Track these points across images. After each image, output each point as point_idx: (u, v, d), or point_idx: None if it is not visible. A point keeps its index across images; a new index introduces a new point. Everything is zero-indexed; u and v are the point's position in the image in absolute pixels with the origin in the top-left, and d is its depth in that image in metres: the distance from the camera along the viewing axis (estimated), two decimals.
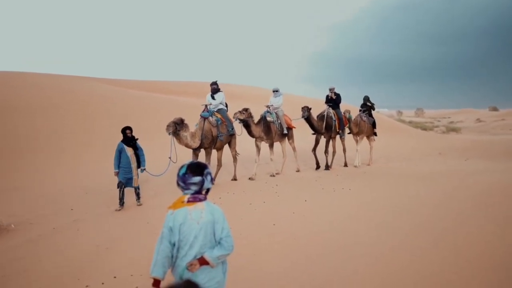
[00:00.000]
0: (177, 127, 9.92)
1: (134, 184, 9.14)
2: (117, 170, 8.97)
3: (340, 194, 9.83)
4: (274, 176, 12.12)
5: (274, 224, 7.64)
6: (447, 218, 7.42)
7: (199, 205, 3.26)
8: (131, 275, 5.72)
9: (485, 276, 5.14)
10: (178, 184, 3.30)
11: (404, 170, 13.25)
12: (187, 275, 3.21)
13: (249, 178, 11.71)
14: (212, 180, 3.36)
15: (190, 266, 3.18)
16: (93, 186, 10.62)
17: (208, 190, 3.37)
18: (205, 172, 3.28)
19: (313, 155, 13.76)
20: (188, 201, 3.25)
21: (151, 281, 3.29)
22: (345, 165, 14.38)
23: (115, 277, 5.72)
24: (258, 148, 12.30)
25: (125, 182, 8.99)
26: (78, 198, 9.87)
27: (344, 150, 14.53)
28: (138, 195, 9.35)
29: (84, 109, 17.02)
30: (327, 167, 13.67)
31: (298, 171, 13.04)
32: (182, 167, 3.30)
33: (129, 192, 10.21)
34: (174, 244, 3.27)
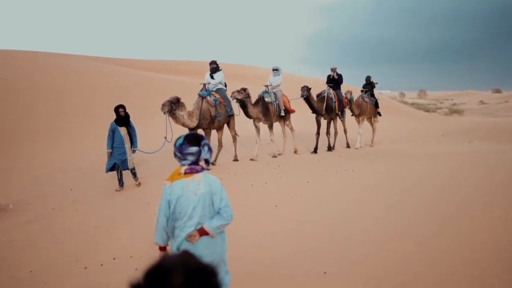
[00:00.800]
0: (173, 106, 9.60)
1: (129, 166, 8.86)
2: (110, 150, 8.67)
3: (343, 176, 9.68)
4: (275, 157, 11.88)
5: (276, 206, 7.51)
6: (450, 203, 7.25)
7: (197, 176, 3.25)
8: (131, 257, 5.62)
9: (489, 264, 5.00)
10: (175, 155, 3.28)
11: (407, 152, 13.10)
12: (187, 246, 3.20)
13: (251, 159, 11.54)
14: (210, 150, 3.33)
15: (189, 237, 3.19)
16: (92, 167, 10.44)
17: (207, 161, 3.36)
18: (202, 143, 3.25)
19: (314, 138, 13.32)
20: (185, 173, 3.24)
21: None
22: (347, 146, 14.12)
23: (114, 258, 5.63)
24: (257, 129, 12.01)
25: (120, 163, 8.74)
26: (77, 178, 9.73)
27: (345, 131, 14.21)
28: (134, 174, 9.07)
29: (83, 89, 16.80)
30: (330, 148, 13.40)
31: (296, 152, 12.62)
32: (179, 138, 3.29)
33: (127, 174, 10.11)
34: (169, 217, 3.29)
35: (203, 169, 3.32)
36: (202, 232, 3.21)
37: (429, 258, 5.13)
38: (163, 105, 9.51)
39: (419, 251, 5.36)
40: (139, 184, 9.11)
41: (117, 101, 15.52)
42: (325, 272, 4.85)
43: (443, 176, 9.23)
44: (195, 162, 3.27)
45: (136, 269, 5.22)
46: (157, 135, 11.46)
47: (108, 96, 16.61)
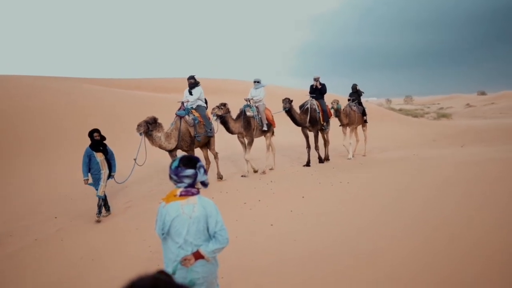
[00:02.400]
0: (149, 126, 9.06)
1: (99, 193, 8.19)
2: (86, 178, 8.14)
3: (338, 188, 9.37)
4: (245, 176, 11.20)
5: (271, 225, 7.18)
6: (446, 209, 6.98)
7: (192, 199, 3.23)
8: None
9: (482, 268, 4.72)
10: (171, 178, 3.26)
11: (401, 160, 12.82)
12: (181, 270, 3.18)
13: (242, 176, 11.20)
14: (205, 172, 3.31)
15: (184, 261, 3.16)
16: (79, 192, 9.98)
17: (204, 183, 3.33)
18: (198, 165, 3.24)
19: (301, 151, 12.92)
20: (181, 195, 3.22)
21: None
22: (326, 158, 13.39)
23: None
24: (243, 145, 11.51)
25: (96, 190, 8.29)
26: (63, 205, 9.28)
27: (326, 144, 13.57)
28: (100, 207, 8.22)
29: (68, 111, 16.36)
30: (321, 160, 13.00)
31: (263, 172, 11.64)
32: (174, 160, 3.28)
33: (115, 196, 9.72)
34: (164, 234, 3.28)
35: (198, 192, 3.29)
36: (198, 256, 3.18)
37: (428, 268, 4.82)
38: (139, 125, 8.95)
39: (417, 262, 5.05)
40: (98, 221, 8.14)
41: (103, 121, 15.24)
42: None
43: (439, 182, 8.96)
44: (191, 185, 3.24)
45: None
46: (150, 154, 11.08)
47: (96, 119, 16.22)
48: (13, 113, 14.57)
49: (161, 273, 1.55)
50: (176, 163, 3.23)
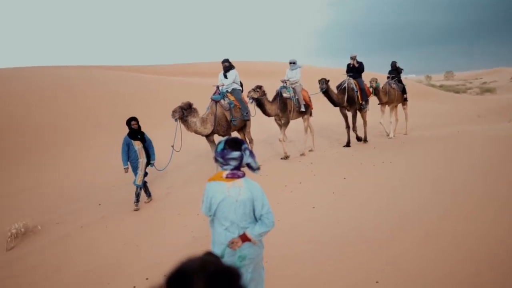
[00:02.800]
0: (184, 112, 8.94)
1: (137, 182, 8.23)
2: (126, 166, 8.18)
3: (381, 169, 9.10)
4: (286, 158, 11.00)
5: (313, 207, 7.05)
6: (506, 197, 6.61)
7: (238, 182, 3.24)
8: (164, 275, 5.22)
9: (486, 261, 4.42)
10: (217, 160, 3.26)
11: (445, 138, 12.30)
12: (229, 252, 3.23)
13: (281, 158, 11.06)
14: (252, 154, 3.28)
15: (232, 244, 3.20)
16: (119, 179, 10.08)
17: (250, 166, 3.29)
18: (243, 147, 3.23)
19: (345, 132, 12.63)
20: (227, 177, 3.23)
21: None
22: (365, 139, 12.91)
23: (147, 278, 5.28)
24: (280, 126, 11.29)
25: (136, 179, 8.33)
26: (105, 192, 9.44)
27: (365, 124, 13.10)
28: (138, 196, 8.29)
29: (106, 99, 16.61)
30: (360, 139, 12.75)
31: (303, 154, 11.48)
32: (219, 143, 3.26)
33: (156, 183, 9.79)
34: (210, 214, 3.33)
35: (244, 174, 3.29)
36: (244, 239, 3.22)
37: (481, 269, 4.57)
38: (174, 111, 8.87)
39: (473, 258, 4.80)
40: (137, 209, 8.20)
41: (137, 109, 15.39)
42: (377, 282, 4.36)
43: (495, 162, 8.46)
44: (238, 167, 3.25)
45: None
46: (188, 140, 11.08)
47: (133, 107, 16.41)
48: (53, 103, 14.90)
49: (209, 254, 1.55)
50: (221, 146, 3.22)
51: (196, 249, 6.00)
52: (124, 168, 8.21)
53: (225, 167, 3.24)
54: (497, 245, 4.78)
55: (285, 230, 6.03)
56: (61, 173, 10.95)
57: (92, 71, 22.48)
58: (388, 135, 13.66)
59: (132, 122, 8.23)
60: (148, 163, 8.40)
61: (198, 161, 11.62)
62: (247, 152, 3.24)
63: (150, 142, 8.45)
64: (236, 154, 3.18)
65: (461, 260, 4.54)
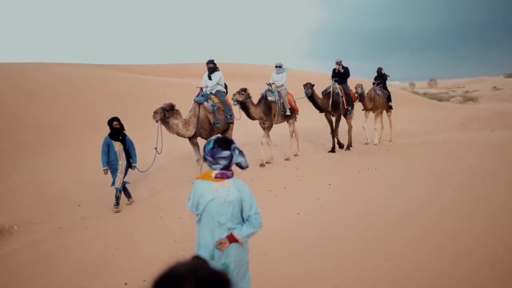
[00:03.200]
0: (166, 113, 8.73)
1: (116, 185, 7.94)
2: (106, 168, 7.95)
3: (366, 176, 9.07)
4: (263, 165, 10.74)
5: (298, 213, 6.97)
6: (489, 207, 6.63)
7: (227, 182, 3.21)
8: (144, 281, 5.11)
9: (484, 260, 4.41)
10: (206, 159, 3.22)
11: (430, 145, 12.39)
12: (218, 254, 3.18)
13: (266, 162, 10.96)
14: (242, 153, 3.26)
15: (219, 245, 3.15)
16: (101, 179, 9.86)
17: (240, 165, 3.28)
18: (233, 146, 3.20)
19: (331, 137, 12.55)
20: (216, 177, 3.19)
21: None
22: (348, 147, 12.76)
23: (126, 283, 5.13)
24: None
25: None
26: (86, 193, 9.22)
27: (350, 129, 13.04)
28: (118, 199, 8.04)
29: (87, 99, 16.28)
30: (342, 146, 12.58)
31: (287, 159, 11.49)
32: (209, 142, 3.22)
33: (138, 184, 9.62)
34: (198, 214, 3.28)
35: (233, 174, 3.25)
36: (232, 239, 3.17)
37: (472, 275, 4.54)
38: (155, 112, 8.64)
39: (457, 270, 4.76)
40: (117, 211, 7.98)
41: (123, 109, 15.16)
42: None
43: (476, 171, 8.56)
44: (227, 167, 3.21)
45: None
46: (171, 142, 10.89)
47: (115, 105, 16.17)
48: (35, 99, 14.59)
49: (197, 258, 1.44)
50: (211, 145, 3.18)
51: (178, 253, 5.89)
52: (103, 170, 7.99)
53: (214, 166, 3.20)
54: (496, 244, 4.80)
55: (271, 235, 5.93)
56: (44, 172, 10.66)
57: (91, 69, 22.24)
58: (367, 141, 13.56)
59: (114, 122, 8.00)
60: (129, 165, 8.17)
61: (181, 163, 11.47)
62: (237, 152, 3.22)
63: (132, 143, 8.22)
64: (226, 153, 3.15)
65: (459, 258, 4.52)
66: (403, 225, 5.90)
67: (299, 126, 12.93)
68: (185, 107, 9.91)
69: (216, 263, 3.17)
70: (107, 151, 7.92)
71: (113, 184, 8.03)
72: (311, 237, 5.92)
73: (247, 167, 3.32)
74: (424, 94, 45.70)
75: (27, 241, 6.68)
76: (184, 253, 5.82)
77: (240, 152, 3.25)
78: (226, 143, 3.20)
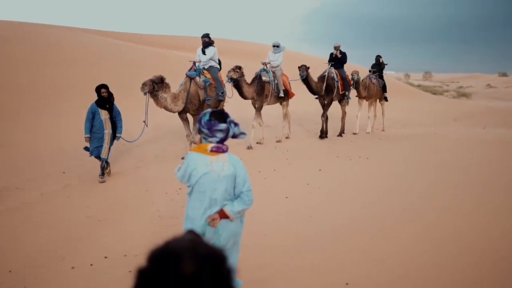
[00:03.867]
0: (155, 86, 8.38)
1: (103, 155, 7.68)
2: (88, 135, 7.64)
3: (357, 164, 8.97)
4: (250, 148, 10.38)
5: (286, 197, 6.86)
6: (481, 203, 6.57)
7: (222, 156, 3.15)
8: (124, 255, 4.97)
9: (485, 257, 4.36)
10: (201, 131, 3.12)
11: (423, 138, 12.29)
12: (209, 230, 3.14)
13: (257, 142, 10.81)
14: (237, 125, 3.16)
15: (212, 221, 3.11)
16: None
17: (236, 136, 3.18)
18: (228, 120, 3.13)
19: (320, 121, 12.24)
20: (212, 151, 3.13)
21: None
22: (340, 134, 12.67)
23: (106, 257, 4.96)
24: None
25: (95, 151, 7.73)
26: (71, 160, 9.00)
27: (344, 116, 12.88)
28: (103, 169, 7.77)
29: (79, 63, 15.95)
30: (322, 134, 12.05)
31: (279, 141, 11.32)
32: (204, 114, 3.14)
33: (126, 155, 9.42)
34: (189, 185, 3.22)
35: (228, 148, 3.20)
36: (222, 215, 3.12)
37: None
38: (144, 84, 8.27)
39: (447, 266, 4.70)
40: (103, 181, 7.76)
41: (112, 75, 14.84)
42: (347, 284, 4.19)
43: (463, 164, 8.53)
44: (223, 140, 3.14)
45: (130, 271, 4.58)
46: (157, 115, 10.66)
47: (110, 72, 15.84)
48: (17, 62, 14.20)
49: (192, 233, 1.53)
50: (207, 117, 3.10)
51: (162, 229, 5.75)
52: (85, 137, 7.70)
53: (210, 139, 3.11)
54: (498, 241, 4.78)
55: (257, 218, 5.78)
56: (31, 135, 10.43)
57: (84, 34, 21.72)
58: (355, 132, 13.17)
59: (102, 89, 7.67)
60: (114, 136, 7.90)
61: (171, 137, 11.28)
62: (233, 125, 3.14)
63: (119, 113, 7.93)
64: (223, 126, 3.08)
65: (461, 255, 4.47)
66: (402, 221, 5.80)
67: (292, 109, 12.76)
68: (177, 81, 9.66)
69: (208, 239, 3.07)
70: (92, 118, 7.63)
71: (94, 154, 7.74)
72: (298, 223, 5.81)
73: (244, 134, 3.22)
74: (419, 86, 45.65)
75: (5, 206, 6.48)
76: (168, 229, 5.67)
77: (236, 124, 3.16)
78: (222, 115, 3.14)
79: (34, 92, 12.80)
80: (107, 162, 7.92)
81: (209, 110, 3.19)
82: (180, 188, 7.22)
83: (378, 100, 14.15)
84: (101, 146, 7.68)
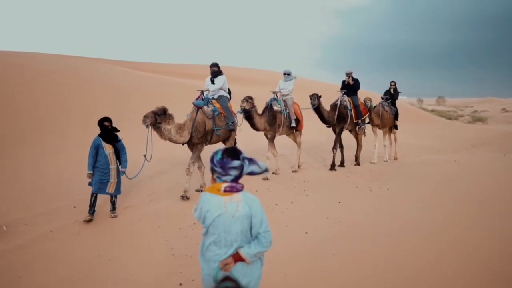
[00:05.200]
0: (158, 118, 7.94)
1: (109, 190, 7.29)
2: (91, 172, 7.18)
3: (378, 195, 8.59)
4: (266, 179, 9.95)
5: (306, 233, 6.50)
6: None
7: (236, 196, 2.98)
8: None
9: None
10: (214, 171, 2.99)
11: (443, 165, 11.90)
12: (221, 275, 2.93)
13: (272, 173, 10.50)
14: (252, 162, 2.99)
15: (224, 266, 2.94)
16: None
17: (253, 173, 3.01)
18: (241, 156, 2.98)
19: (323, 153, 12.14)
20: (225, 191, 2.96)
21: None
22: (358, 162, 12.32)
23: None
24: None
25: (97, 188, 7.28)
26: (82, 193, 8.65)
27: (360, 145, 12.52)
28: (113, 204, 7.49)
29: (89, 92, 15.91)
30: (333, 166, 11.47)
31: (295, 171, 11.03)
32: (215, 153, 3.01)
33: (138, 187, 9.17)
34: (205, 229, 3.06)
35: (243, 187, 3.02)
36: (238, 258, 2.95)
37: None
38: (145, 116, 7.83)
39: None
40: (115, 216, 7.49)
41: (128, 106, 14.75)
42: None
43: (488, 195, 8.13)
44: (238, 178, 2.98)
45: None
46: (169, 146, 10.42)
47: (121, 101, 15.77)
48: (24, 91, 14.17)
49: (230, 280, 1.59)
50: (219, 155, 2.98)
51: (175, 269, 5.44)
52: (88, 173, 7.21)
53: (224, 177, 2.97)
54: None
55: (276, 256, 5.46)
56: (41, 167, 10.24)
57: (95, 63, 21.85)
58: (373, 161, 12.76)
59: (105, 122, 7.28)
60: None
61: (184, 169, 10.98)
62: (247, 162, 2.99)
63: (123, 147, 7.48)
64: (236, 163, 2.94)
65: None
66: (420, 255, 5.44)
67: (307, 138, 12.47)
68: (185, 111, 9.39)
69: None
70: (95, 153, 7.18)
71: (94, 189, 7.25)
72: (320, 262, 5.45)
73: (266, 170, 3.06)
74: (432, 111, 45.20)
75: (13, 244, 6.21)
76: (182, 270, 5.37)
77: (250, 160, 3.00)
78: (235, 152, 2.99)
79: (42, 122, 12.70)
80: (113, 202, 7.53)
81: (221, 148, 3.05)
82: (194, 223, 6.94)
83: (389, 128, 13.72)
84: (107, 182, 7.25)
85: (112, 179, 7.27)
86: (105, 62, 27.50)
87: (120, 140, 7.42)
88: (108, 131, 7.27)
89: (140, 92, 18.14)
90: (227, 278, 2.57)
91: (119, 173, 7.41)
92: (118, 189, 7.44)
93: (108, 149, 7.22)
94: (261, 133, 10.94)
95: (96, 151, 7.17)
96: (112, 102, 15.25)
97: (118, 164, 7.39)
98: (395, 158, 13.56)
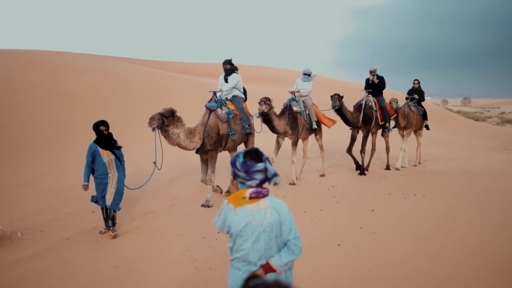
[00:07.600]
0: (165, 121, 7.22)
1: (107, 202, 6.45)
2: (87, 183, 6.41)
3: (414, 203, 8.02)
4: (293, 184, 9.49)
5: (339, 245, 6.00)
6: None
7: (263, 202, 2.74)
8: None
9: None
10: (237, 176, 2.75)
11: (478, 172, 11.22)
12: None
13: (290, 183, 9.57)
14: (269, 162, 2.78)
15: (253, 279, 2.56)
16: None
17: (276, 175, 2.77)
18: (263, 157, 2.76)
19: (349, 156, 11.18)
20: (251, 198, 2.73)
21: None
22: (387, 167, 11.69)
23: None
24: (278, 145, 9.86)
25: (101, 201, 6.47)
26: None
27: (388, 149, 11.80)
28: (113, 219, 6.60)
29: (105, 94, 15.64)
30: (362, 171, 10.91)
31: (322, 175, 10.46)
32: (236, 156, 2.77)
33: (159, 191, 8.77)
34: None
35: (268, 192, 2.79)
36: (268, 269, 2.73)
37: None
38: (151, 119, 7.13)
39: None
40: (115, 234, 6.55)
41: (154, 107, 14.38)
42: None
43: None
44: (263, 181, 2.76)
45: None
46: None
47: (146, 102, 15.47)
48: (44, 94, 13.95)
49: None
50: (241, 158, 2.74)
51: (198, 284, 4.99)
52: (83, 185, 6.45)
53: (249, 182, 2.74)
54: None
55: (307, 270, 4.99)
56: (58, 169, 9.94)
57: (110, 62, 21.69)
58: (397, 166, 11.81)
59: (100, 127, 6.44)
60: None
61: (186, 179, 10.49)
62: (268, 163, 2.76)
63: (122, 155, 6.69)
64: (261, 165, 2.72)
65: None
66: (467, 275, 4.89)
67: (331, 140, 11.90)
68: (199, 112, 8.82)
69: None
70: (92, 162, 6.39)
71: (101, 204, 6.55)
72: (357, 280, 4.95)
73: (277, 175, 2.82)
74: (458, 112, 44.04)
75: (27, 252, 5.86)
76: (206, 286, 4.92)
77: (269, 161, 2.79)
78: (257, 154, 2.77)
79: (61, 124, 12.43)
80: (108, 219, 6.68)
81: (241, 151, 2.82)
82: (218, 232, 6.48)
83: (415, 131, 12.89)
84: (105, 190, 6.50)
85: (110, 188, 6.47)
86: (127, 61, 27.34)
87: (120, 148, 6.65)
88: (104, 137, 6.48)
89: (146, 88, 17.82)
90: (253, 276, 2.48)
91: (119, 183, 6.58)
92: (116, 203, 6.59)
93: (106, 156, 6.42)
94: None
95: (92, 159, 6.39)
96: (145, 106, 14.94)
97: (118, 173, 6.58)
98: (419, 163, 12.70)
